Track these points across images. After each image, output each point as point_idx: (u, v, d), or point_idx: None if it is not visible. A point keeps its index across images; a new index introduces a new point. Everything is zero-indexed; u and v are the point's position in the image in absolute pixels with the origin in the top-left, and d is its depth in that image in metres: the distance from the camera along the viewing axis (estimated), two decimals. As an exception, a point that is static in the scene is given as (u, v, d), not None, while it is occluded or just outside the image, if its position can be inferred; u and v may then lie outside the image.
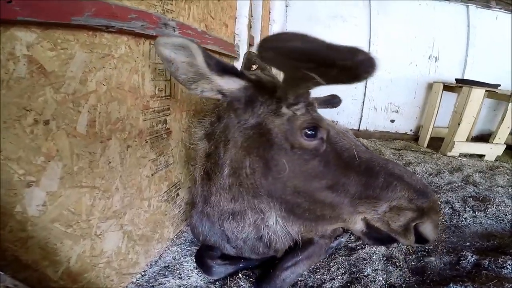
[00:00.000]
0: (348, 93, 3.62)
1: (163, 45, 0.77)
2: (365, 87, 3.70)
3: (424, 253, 1.55)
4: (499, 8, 3.73)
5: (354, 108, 3.75)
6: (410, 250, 1.56)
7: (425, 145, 3.54)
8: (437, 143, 3.47)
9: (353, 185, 0.80)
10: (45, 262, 0.72)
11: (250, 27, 2.32)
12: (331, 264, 1.36)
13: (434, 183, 2.46)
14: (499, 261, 1.37)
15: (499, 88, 3.11)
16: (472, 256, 1.45)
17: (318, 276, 1.27)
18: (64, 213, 0.74)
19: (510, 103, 2.92)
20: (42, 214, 0.69)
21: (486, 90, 2.98)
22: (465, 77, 3.62)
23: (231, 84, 0.82)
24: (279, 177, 0.80)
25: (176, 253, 1.32)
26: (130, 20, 0.80)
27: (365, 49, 0.43)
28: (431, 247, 1.60)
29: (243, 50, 1.92)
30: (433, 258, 1.49)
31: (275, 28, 3.14)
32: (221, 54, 1.61)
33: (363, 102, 3.76)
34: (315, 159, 0.79)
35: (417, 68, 3.70)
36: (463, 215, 1.91)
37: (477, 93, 2.93)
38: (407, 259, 1.49)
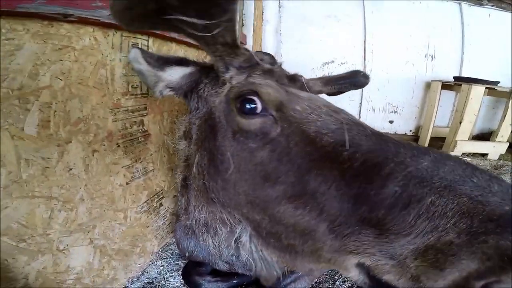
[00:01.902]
0: (345, 95, 3.50)
1: (131, 61, 0.76)
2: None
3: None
4: (492, 6, 3.70)
5: (352, 110, 3.61)
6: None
7: (426, 145, 3.43)
8: (438, 143, 3.37)
9: (335, 198, 0.46)
10: (-6, 279, 0.62)
11: (242, 24, 2.24)
12: (336, 277, 1.22)
13: (439, 184, 2.35)
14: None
15: (498, 85, 3.05)
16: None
17: (322, 293, 1.13)
18: (13, 226, 0.65)
19: (510, 100, 2.85)
20: (-16, 227, 0.60)
21: (486, 87, 2.91)
22: (462, 75, 3.55)
23: (173, 75, 0.76)
24: (227, 179, 0.59)
25: (161, 268, 1.20)
26: (94, 8, 0.72)
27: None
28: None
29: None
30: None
31: (269, 28, 3.07)
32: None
33: (361, 103, 3.68)
34: (265, 149, 0.53)
35: (413, 67, 3.62)
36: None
37: (478, 91, 2.85)
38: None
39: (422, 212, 0.38)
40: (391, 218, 0.40)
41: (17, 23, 0.60)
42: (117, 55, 0.85)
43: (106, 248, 0.92)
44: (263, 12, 2.99)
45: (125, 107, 0.92)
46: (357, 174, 0.45)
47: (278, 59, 3.93)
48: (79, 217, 0.81)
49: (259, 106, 0.54)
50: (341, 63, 3.56)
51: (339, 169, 0.46)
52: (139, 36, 0.92)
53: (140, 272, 1.14)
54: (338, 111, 0.58)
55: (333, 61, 3.55)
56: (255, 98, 0.54)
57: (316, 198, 0.47)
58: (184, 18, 0.44)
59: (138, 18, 0.49)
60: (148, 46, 0.97)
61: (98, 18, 0.73)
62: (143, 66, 0.74)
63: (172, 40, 1.10)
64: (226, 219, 0.70)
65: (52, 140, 0.70)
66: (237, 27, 0.49)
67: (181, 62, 0.77)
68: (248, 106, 0.55)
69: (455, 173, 0.40)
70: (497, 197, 0.36)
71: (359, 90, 3.62)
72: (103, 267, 0.93)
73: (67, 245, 0.78)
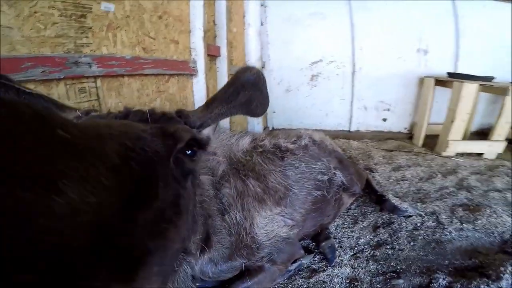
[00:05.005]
0: (335, 93, 3.49)
1: None
2: (352, 86, 3.52)
3: (394, 274, 1.42)
4: (486, -4, 3.42)
5: (343, 109, 3.57)
6: (380, 271, 1.45)
7: (420, 144, 3.34)
8: (434, 141, 3.25)
9: None
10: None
11: (214, 36, 2.25)
12: (289, 287, 1.28)
13: (423, 189, 2.28)
14: (472, 285, 1.24)
15: (494, 80, 2.87)
16: (444, 279, 1.32)
17: (268, 306, 1.20)
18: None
19: (507, 97, 2.68)
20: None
21: (480, 84, 2.75)
22: (459, 70, 3.38)
23: None
24: None
25: None
26: (25, 69, 0.77)
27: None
28: (403, 267, 1.47)
29: (201, 64, 1.85)
30: (402, 281, 1.37)
31: (251, 32, 3.05)
32: (169, 75, 1.53)
33: (352, 102, 3.58)
34: None
35: (405, 63, 3.48)
36: (447, 228, 1.74)
37: (470, 88, 2.71)
38: (373, 281, 1.38)
39: None
40: None
41: None
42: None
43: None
44: (244, 16, 2.97)
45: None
46: None
47: (266, 61, 3.90)
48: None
49: None
50: (330, 61, 3.49)
51: None
52: (84, 80, 0.97)
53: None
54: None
55: (321, 60, 3.49)
56: None
57: None
58: None
59: None
60: (96, 87, 1.02)
61: (33, 78, 0.79)
62: None
63: (123, 75, 1.15)
64: None
65: None
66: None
67: None
68: None
69: None
70: None
71: (350, 89, 3.53)
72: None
73: None
